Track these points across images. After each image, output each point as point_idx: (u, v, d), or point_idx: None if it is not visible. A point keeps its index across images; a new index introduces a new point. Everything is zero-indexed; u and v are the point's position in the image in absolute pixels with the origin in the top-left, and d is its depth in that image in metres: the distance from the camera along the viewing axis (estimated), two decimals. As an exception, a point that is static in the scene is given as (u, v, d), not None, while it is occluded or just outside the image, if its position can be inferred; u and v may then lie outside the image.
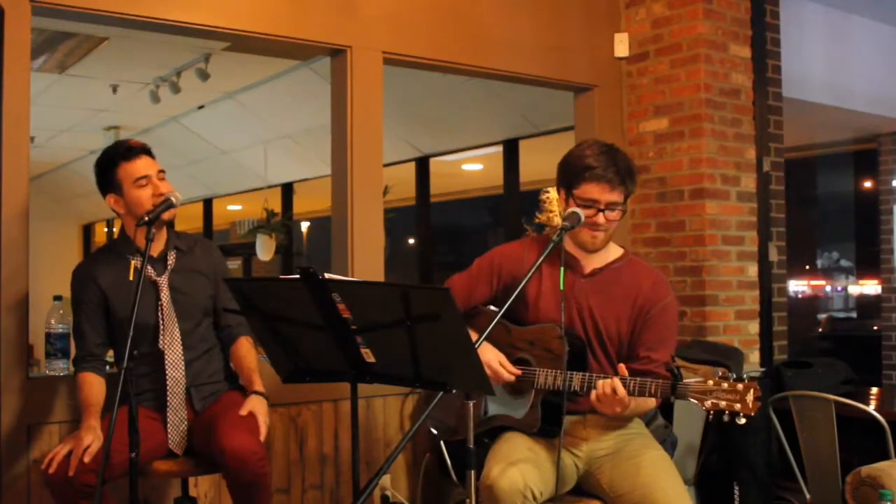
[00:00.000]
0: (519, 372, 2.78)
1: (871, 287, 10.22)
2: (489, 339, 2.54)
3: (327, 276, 2.29)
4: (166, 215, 2.82)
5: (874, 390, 4.81)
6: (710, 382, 2.47)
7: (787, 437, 3.81)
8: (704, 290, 4.37)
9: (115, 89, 6.77)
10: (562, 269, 2.65)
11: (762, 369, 4.47)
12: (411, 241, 10.69)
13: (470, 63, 4.25)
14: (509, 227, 6.50)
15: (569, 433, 2.79)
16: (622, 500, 2.69)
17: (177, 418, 2.90)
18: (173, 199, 2.82)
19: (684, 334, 4.35)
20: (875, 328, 7.86)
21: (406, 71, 4.40)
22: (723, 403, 2.45)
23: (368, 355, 2.35)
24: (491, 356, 2.78)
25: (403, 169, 7.62)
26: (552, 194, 4.54)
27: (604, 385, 2.57)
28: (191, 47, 5.59)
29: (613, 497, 2.72)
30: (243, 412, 2.83)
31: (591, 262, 2.85)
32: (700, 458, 3.84)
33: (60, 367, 3.22)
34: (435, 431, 3.18)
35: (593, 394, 2.60)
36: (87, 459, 2.59)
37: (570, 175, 2.79)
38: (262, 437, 2.80)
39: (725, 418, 2.45)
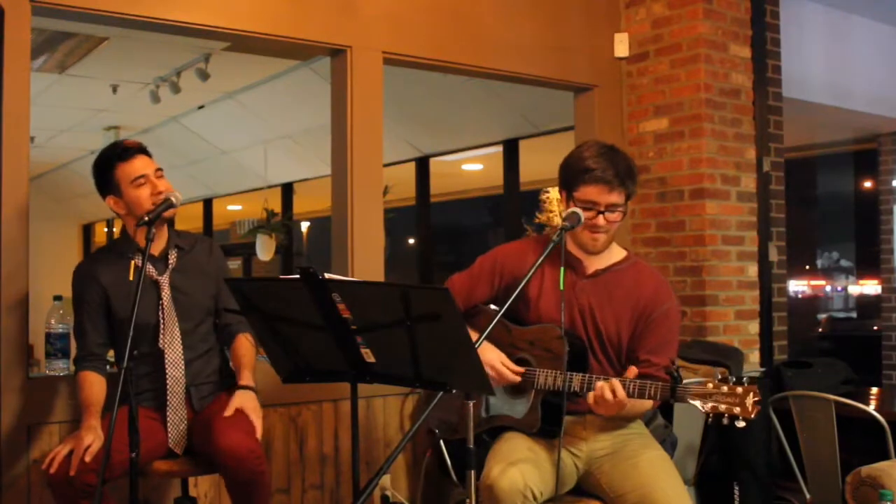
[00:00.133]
0: (522, 370, 2.78)
1: (871, 287, 10.22)
2: (490, 338, 2.53)
3: (327, 276, 2.29)
4: (166, 215, 2.82)
5: (874, 390, 4.81)
6: (710, 385, 2.47)
7: (787, 437, 3.81)
8: (704, 290, 4.37)
9: (115, 89, 6.77)
10: (562, 269, 2.65)
11: (762, 369, 4.47)
12: (411, 241, 10.69)
13: (470, 63, 4.25)
14: (509, 227, 6.50)
15: (569, 433, 2.79)
16: (622, 500, 2.69)
17: (177, 417, 2.90)
18: (173, 198, 2.82)
19: (684, 334, 4.35)
20: (875, 328, 7.86)
21: (406, 71, 4.40)
22: (722, 407, 2.44)
23: (368, 355, 2.35)
24: (493, 356, 2.78)
25: (403, 169, 7.62)
26: (552, 194, 4.55)
27: (602, 387, 2.57)
28: (191, 47, 5.59)
29: (613, 497, 2.72)
30: (228, 412, 2.79)
31: (594, 264, 2.84)
32: (700, 458, 3.84)
33: (60, 367, 3.22)
34: (437, 431, 3.18)
35: (590, 395, 2.60)
36: (87, 459, 2.59)
37: (569, 177, 2.79)
38: (258, 433, 2.79)
39: (725, 422, 2.44)
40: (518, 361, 2.82)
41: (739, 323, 4.48)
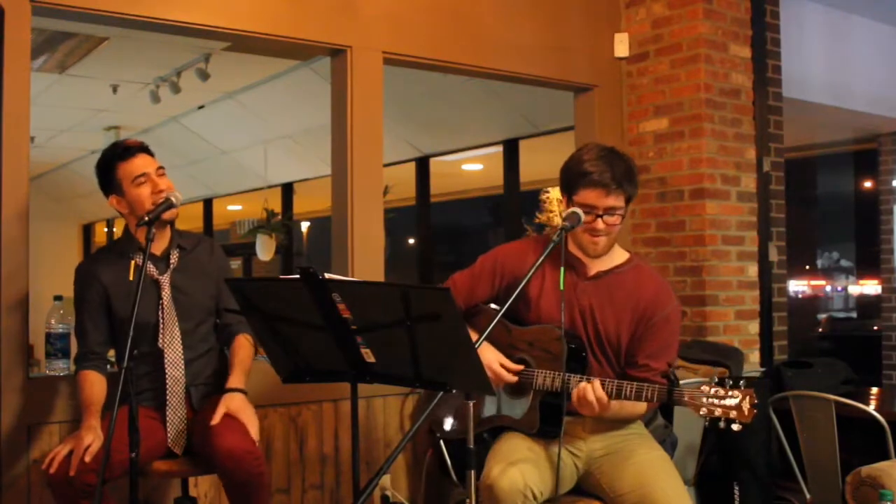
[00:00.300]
0: (520, 367, 2.78)
1: (871, 287, 10.22)
2: (489, 338, 2.53)
3: (327, 276, 2.29)
4: (166, 215, 2.83)
5: (874, 390, 4.81)
6: (706, 388, 2.46)
7: (788, 437, 3.81)
8: (704, 290, 4.37)
9: (115, 89, 6.77)
10: (562, 269, 2.65)
11: (762, 369, 4.47)
12: (411, 241, 10.69)
13: (470, 63, 4.25)
14: (509, 227, 6.50)
15: (568, 433, 2.79)
16: (622, 500, 2.69)
17: (176, 417, 2.90)
18: (173, 198, 2.82)
19: (684, 334, 4.35)
20: (875, 328, 7.86)
21: (406, 71, 4.40)
22: (718, 411, 2.44)
23: (368, 355, 2.35)
24: (492, 357, 2.77)
25: (403, 169, 7.62)
26: (552, 194, 4.55)
27: (583, 388, 2.58)
28: (191, 47, 5.59)
29: (613, 497, 2.72)
30: (214, 420, 2.75)
31: (596, 265, 2.84)
32: (700, 458, 3.84)
33: (60, 367, 3.22)
34: (438, 434, 3.18)
35: (573, 394, 2.61)
36: (87, 459, 2.59)
37: (569, 181, 2.79)
38: (253, 433, 2.77)
39: (721, 425, 2.44)
40: (517, 362, 2.82)
41: (739, 323, 4.48)
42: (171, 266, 2.97)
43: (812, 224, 9.15)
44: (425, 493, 3.92)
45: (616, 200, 2.72)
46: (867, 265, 9.77)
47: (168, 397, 2.90)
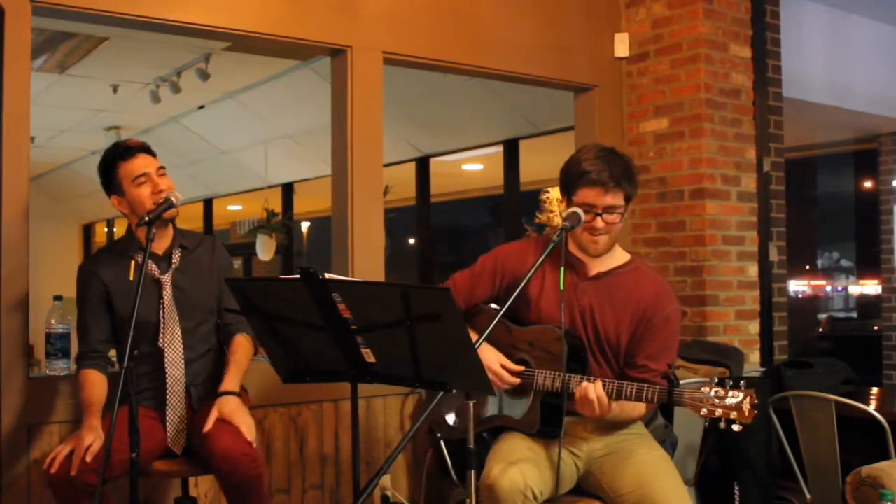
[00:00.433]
0: (521, 369, 2.78)
1: (871, 287, 10.22)
2: (490, 338, 2.53)
3: (327, 276, 2.29)
4: (166, 214, 2.83)
5: (874, 390, 4.81)
6: (707, 389, 2.46)
7: (788, 437, 3.81)
8: (705, 290, 4.37)
9: (115, 89, 6.78)
10: (562, 269, 2.64)
11: (762, 369, 4.47)
12: (412, 241, 10.69)
13: (470, 63, 4.25)
14: (509, 227, 6.50)
15: (568, 433, 2.79)
16: (622, 500, 2.69)
17: (176, 417, 2.90)
18: (174, 198, 2.82)
19: (685, 334, 4.34)
20: (875, 328, 7.86)
21: (406, 71, 4.40)
22: (718, 412, 2.44)
23: (369, 355, 2.35)
24: (492, 358, 2.77)
25: (404, 169, 7.62)
26: (552, 194, 4.55)
27: (585, 387, 2.58)
28: (191, 47, 5.59)
29: (613, 497, 2.72)
30: (207, 427, 2.72)
31: (596, 266, 2.83)
32: (700, 458, 3.84)
33: (61, 367, 3.22)
34: (439, 434, 3.18)
35: (577, 392, 2.60)
36: (88, 459, 2.59)
37: (568, 181, 2.79)
38: (248, 436, 2.73)
39: (722, 426, 2.44)
40: (518, 362, 2.82)
41: (740, 323, 4.48)
42: (173, 266, 2.96)
43: (812, 224, 9.15)
44: (426, 493, 3.92)
45: (615, 199, 2.72)
46: (867, 265, 9.77)
47: (168, 397, 2.90)
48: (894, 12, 5.83)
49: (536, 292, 2.84)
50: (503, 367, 2.77)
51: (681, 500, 2.63)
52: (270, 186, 8.82)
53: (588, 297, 2.80)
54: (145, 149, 2.95)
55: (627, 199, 2.76)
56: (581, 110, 4.75)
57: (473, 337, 2.26)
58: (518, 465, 2.63)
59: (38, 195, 6.56)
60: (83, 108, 7.59)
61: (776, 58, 4.71)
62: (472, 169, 9.01)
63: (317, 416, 3.79)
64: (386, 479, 3.89)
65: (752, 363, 4.48)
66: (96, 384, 2.85)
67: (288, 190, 9.25)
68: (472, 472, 2.36)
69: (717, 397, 2.44)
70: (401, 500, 3.93)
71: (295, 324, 2.42)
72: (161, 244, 2.96)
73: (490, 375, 2.69)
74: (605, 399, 2.57)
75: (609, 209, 2.71)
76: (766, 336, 4.55)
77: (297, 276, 2.29)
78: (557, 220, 4.28)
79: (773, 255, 4.61)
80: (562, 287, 2.65)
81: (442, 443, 3.49)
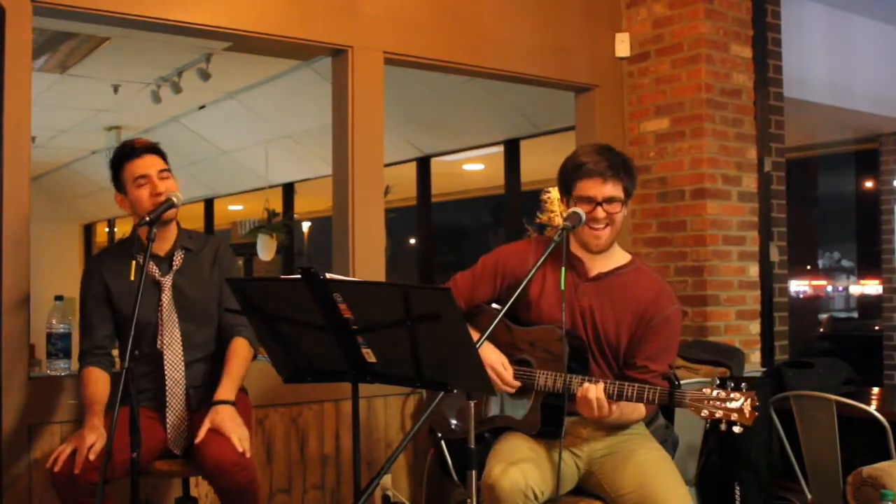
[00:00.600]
0: (518, 384, 2.78)
1: (872, 287, 10.22)
2: (491, 338, 2.53)
3: (328, 276, 2.29)
4: (166, 216, 2.82)
5: (875, 390, 4.80)
6: (707, 390, 2.46)
7: (789, 437, 3.81)
8: (705, 290, 4.37)
9: (116, 89, 6.78)
10: (563, 269, 2.64)
11: (763, 369, 4.47)
12: (412, 241, 10.69)
13: (471, 63, 4.25)
14: (510, 227, 6.50)
15: (569, 433, 2.79)
16: (623, 500, 2.69)
17: (176, 419, 2.90)
18: (174, 199, 2.82)
19: (686, 334, 4.34)
20: (876, 328, 7.85)
21: (407, 71, 4.40)
22: (719, 413, 2.44)
23: (369, 355, 2.35)
24: (494, 358, 2.77)
25: (404, 169, 7.62)
26: (553, 194, 4.54)
27: (586, 388, 2.58)
28: (192, 47, 5.60)
29: (614, 497, 2.72)
30: (199, 438, 2.70)
31: (596, 266, 2.83)
32: (701, 458, 3.84)
33: (61, 368, 3.22)
34: (440, 434, 3.18)
35: (578, 393, 2.60)
36: (92, 457, 2.59)
37: (566, 178, 2.79)
38: (238, 446, 2.68)
39: (722, 427, 2.44)
40: (519, 362, 2.82)
41: (740, 323, 4.48)
42: (174, 267, 2.96)
43: (813, 224, 9.15)
44: (426, 493, 3.92)
45: (614, 189, 2.72)
46: (868, 265, 9.77)
47: (168, 399, 2.89)
48: (895, 12, 5.83)
49: (537, 292, 2.84)
50: (504, 367, 2.77)
51: (681, 500, 2.63)
52: (271, 186, 8.82)
53: (588, 298, 2.80)
54: (152, 150, 2.94)
55: (627, 193, 2.76)
56: (582, 110, 4.75)
57: (475, 337, 2.26)
58: (519, 465, 2.63)
59: (39, 195, 6.57)
60: (84, 108, 7.59)
61: (777, 58, 4.71)
62: (472, 169, 9.01)
63: (318, 416, 3.79)
64: (387, 479, 3.89)
65: (753, 363, 4.48)
66: (99, 382, 2.85)
67: (289, 190, 9.25)
68: (473, 472, 2.36)
69: (717, 399, 2.44)
70: (401, 500, 3.93)
71: (296, 324, 2.42)
72: (163, 245, 2.96)
73: (491, 374, 2.69)
74: (604, 401, 2.57)
75: (609, 200, 2.72)
76: (767, 336, 4.55)
77: (298, 276, 2.29)
78: (558, 221, 4.27)
79: (774, 255, 4.61)
80: (563, 287, 2.65)
81: (443, 443, 3.49)
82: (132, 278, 2.82)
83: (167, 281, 2.93)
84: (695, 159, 4.43)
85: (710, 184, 4.40)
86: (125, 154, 2.92)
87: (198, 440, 2.70)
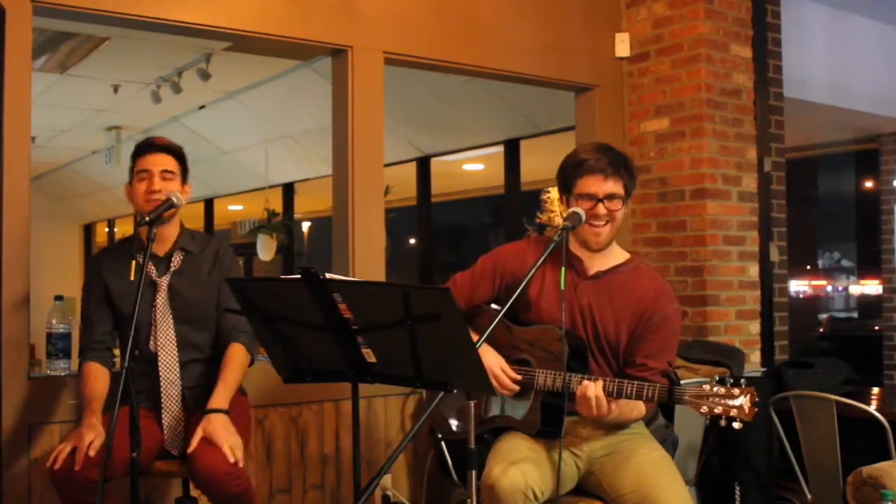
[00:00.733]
0: (517, 388, 2.78)
1: (872, 287, 10.22)
2: (490, 338, 2.53)
3: (328, 276, 2.29)
4: (165, 215, 2.82)
5: (875, 390, 4.81)
6: (707, 387, 2.47)
7: (788, 437, 3.81)
8: (705, 290, 4.37)
9: (116, 89, 6.78)
10: (563, 269, 2.64)
11: (763, 369, 4.47)
12: (412, 241, 10.69)
13: (471, 63, 4.25)
14: (510, 227, 6.50)
15: (569, 433, 2.79)
16: (623, 499, 2.69)
17: (172, 419, 2.89)
18: (174, 199, 2.82)
19: (686, 334, 4.35)
20: (876, 328, 7.85)
21: (407, 71, 4.40)
22: (719, 409, 2.44)
23: (369, 355, 2.35)
24: (493, 361, 2.77)
25: (404, 169, 7.62)
26: (553, 194, 4.54)
27: (585, 386, 2.58)
28: (192, 47, 5.60)
29: (614, 497, 2.72)
30: (191, 448, 2.68)
31: (595, 265, 2.84)
32: (701, 458, 3.84)
33: (61, 367, 3.22)
34: (440, 435, 3.18)
35: (578, 391, 2.60)
36: (92, 453, 2.59)
37: (566, 176, 2.80)
38: (230, 456, 2.66)
39: (722, 423, 2.44)
40: (518, 362, 2.82)
41: (740, 323, 4.48)
42: (172, 268, 2.96)
43: (813, 224, 9.15)
44: (426, 493, 3.92)
45: (615, 186, 2.73)
46: (868, 265, 9.77)
47: (163, 400, 2.89)
48: (895, 12, 5.82)
49: (536, 292, 2.84)
50: (502, 370, 2.77)
51: (681, 500, 2.63)
52: (271, 186, 8.82)
53: (588, 297, 2.80)
54: (166, 149, 2.96)
55: (627, 191, 2.76)
56: (582, 110, 4.75)
57: (474, 337, 2.26)
58: (519, 464, 2.63)
59: (39, 195, 6.58)
60: (84, 108, 7.59)
61: (777, 58, 4.71)
62: (472, 169, 9.01)
63: (317, 416, 3.79)
64: (387, 479, 3.89)
65: (753, 363, 4.48)
66: (99, 378, 2.85)
67: (289, 190, 9.25)
68: (473, 472, 2.36)
69: (717, 395, 2.44)
70: (401, 500, 3.93)
71: (296, 324, 2.41)
72: (162, 246, 2.96)
73: (489, 378, 2.69)
74: (603, 399, 2.57)
75: (610, 197, 2.72)
76: (767, 336, 4.55)
77: (298, 276, 2.29)
78: (558, 220, 4.27)
79: (774, 255, 4.61)
80: (562, 287, 2.65)
81: (443, 443, 3.48)
82: (132, 278, 2.82)
83: (163, 282, 2.93)
84: (695, 159, 4.43)
85: (710, 184, 4.40)
86: (141, 147, 2.95)
87: (190, 449, 2.68)
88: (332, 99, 4.00)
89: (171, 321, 2.91)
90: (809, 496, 3.75)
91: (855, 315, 11.58)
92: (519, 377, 2.78)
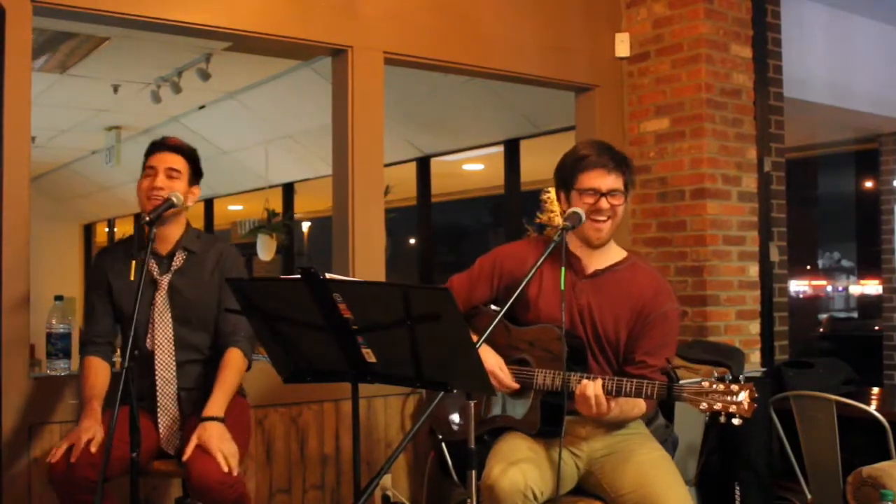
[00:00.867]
0: (517, 386, 2.78)
1: (872, 287, 10.22)
2: (489, 339, 2.53)
3: (328, 276, 2.29)
4: (165, 213, 2.83)
5: (875, 390, 4.81)
6: (706, 384, 2.47)
7: (788, 437, 3.81)
8: (705, 290, 4.37)
9: (116, 89, 6.78)
10: (563, 269, 2.64)
11: (763, 369, 4.47)
12: (412, 241, 10.69)
13: (471, 63, 4.25)
14: (510, 227, 6.50)
15: (569, 433, 2.79)
16: (623, 499, 2.69)
17: (168, 419, 2.89)
18: (174, 199, 2.83)
19: (685, 334, 4.35)
20: (876, 328, 7.86)
21: (407, 71, 4.40)
22: (718, 405, 2.44)
23: (369, 355, 2.35)
24: (492, 361, 2.77)
25: (404, 169, 7.62)
26: (553, 194, 4.54)
27: (584, 385, 2.58)
28: (192, 47, 5.60)
29: (614, 497, 2.72)
30: (186, 456, 2.66)
31: (593, 263, 2.84)
32: (701, 458, 3.84)
33: (61, 368, 3.22)
34: (441, 435, 3.17)
35: (577, 390, 2.60)
36: (93, 449, 2.59)
37: (566, 173, 2.80)
38: (225, 468, 2.63)
39: (722, 420, 2.44)
40: (518, 362, 2.82)
41: (740, 323, 4.48)
42: (174, 267, 2.96)
43: (813, 224, 9.15)
44: (427, 493, 3.92)
45: (616, 182, 2.74)
46: (868, 265, 9.77)
47: (159, 399, 2.88)
48: (895, 12, 5.83)
49: (535, 292, 2.84)
50: (501, 370, 2.77)
51: (681, 500, 2.63)
52: (271, 186, 8.82)
53: (586, 296, 2.80)
54: (176, 148, 2.97)
55: (626, 188, 2.77)
56: (582, 110, 4.75)
57: (473, 338, 2.26)
58: (518, 465, 2.63)
59: (39, 195, 6.57)
60: (84, 108, 7.59)
61: (777, 58, 4.71)
62: (472, 169, 9.01)
63: (317, 416, 3.79)
64: (387, 479, 3.89)
65: (753, 363, 4.48)
66: (99, 374, 2.86)
67: (289, 190, 9.25)
68: (473, 472, 2.36)
69: (716, 391, 2.45)
70: (401, 500, 3.93)
71: (296, 324, 2.41)
72: (165, 244, 2.96)
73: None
74: (602, 398, 2.57)
75: (612, 191, 2.73)
76: (767, 336, 4.55)
77: (298, 276, 2.29)
78: (558, 220, 4.27)
79: (774, 255, 4.61)
80: (562, 287, 2.65)
81: (443, 443, 3.48)
82: (132, 278, 2.82)
83: (164, 280, 2.93)
84: (695, 159, 4.43)
85: (710, 184, 4.40)
86: (153, 145, 2.98)
87: (186, 457, 2.67)
88: (332, 99, 4.00)
89: (170, 320, 2.91)
90: (809, 496, 3.75)
91: (855, 315, 11.58)
92: (517, 386, 2.78)
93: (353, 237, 3.86)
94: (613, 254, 2.87)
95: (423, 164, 7.67)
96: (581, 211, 2.71)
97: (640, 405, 2.74)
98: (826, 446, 3.62)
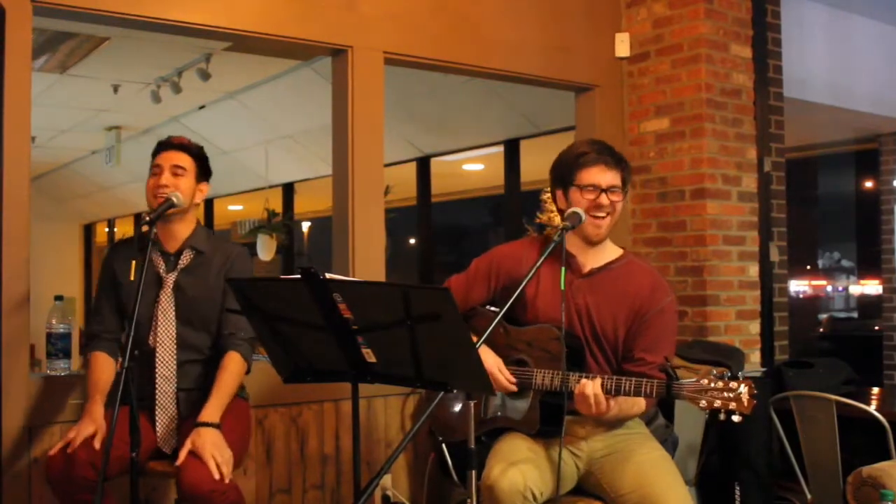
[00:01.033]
0: (515, 388, 2.78)
1: (872, 287, 10.22)
2: (487, 340, 2.53)
3: (328, 276, 2.29)
4: (167, 213, 2.83)
5: (875, 390, 4.81)
6: (705, 382, 2.47)
7: (788, 437, 3.81)
8: (705, 290, 4.37)
9: (116, 89, 6.78)
10: (562, 269, 2.64)
11: (763, 369, 4.47)
12: (412, 241, 10.69)
13: (471, 63, 4.25)
14: (510, 227, 6.50)
15: (569, 433, 2.79)
16: (623, 500, 2.69)
17: (166, 418, 2.89)
18: (174, 198, 2.83)
19: (685, 334, 4.35)
20: (876, 328, 7.86)
21: (407, 71, 4.40)
22: (718, 403, 2.44)
23: (369, 355, 2.35)
24: (491, 362, 2.77)
25: (404, 169, 7.63)
26: (553, 194, 4.54)
27: (583, 384, 2.58)
28: (192, 47, 5.60)
29: (614, 497, 2.72)
30: (179, 461, 2.65)
31: (590, 262, 2.84)
32: (701, 458, 3.84)
33: (61, 368, 3.22)
34: (440, 437, 3.17)
35: (576, 389, 2.60)
36: (97, 445, 2.60)
37: (564, 170, 2.80)
38: (216, 476, 2.61)
39: (722, 417, 2.44)
40: (516, 362, 2.82)
41: (740, 323, 4.47)
42: (180, 266, 2.96)
43: (813, 224, 9.15)
44: (427, 494, 3.92)
45: (615, 178, 2.76)
46: (868, 265, 9.77)
47: (157, 397, 2.88)
48: (895, 12, 5.83)
49: (533, 292, 2.84)
50: (500, 371, 2.77)
51: (681, 500, 2.63)
52: (271, 186, 8.82)
53: (584, 295, 2.80)
54: (179, 146, 2.97)
55: (624, 185, 2.79)
56: (582, 110, 4.75)
57: (473, 338, 2.26)
58: (518, 465, 2.63)
59: (39, 195, 6.57)
60: (84, 108, 7.59)
61: (777, 58, 4.71)
62: (472, 169, 9.01)
63: (317, 416, 3.79)
64: (387, 479, 3.89)
65: (753, 363, 4.48)
66: (104, 369, 2.87)
67: (289, 190, 9.25)
68: (473, 472, 2.36)
69: (715, 389, 2.45)
70: (401, 500, 3.93)
71: (296, 324, 2.41)
72: (173, 242, 2.97)
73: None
74: (601, 397, 2.57)
75: (612, 188, 2.74)
76: (767, 336, 4.55)
77: (298, 276, 2.29)
78: (558, 220, 4.28)
79: (774, 255, 4.61)
80: (562, 287, 2.65)
81: (443, 444, 3.48)
82: (132, 278, 2.82)
83: (169, 279, 2.93)
84: (695, 159, 4.43)
85: (710, 184, 4.40)
86: (160, 144, 2.99)
87: (179, 462, 2.65)
88: (332, 99, 4.00)
89: (173, 318, 2.91)
90: (809, 496, 3.75)
91: (855, 315, 11.58)
92: (515, 388, 2.78)
93: (353, 237, 3.86)
94: (609, 251, 2.87)
95: (423, 164, 7.67)
96: (581, 211, 2.71)
97: (639, 404, 2.74)
98: (826, 446, 3.62)
